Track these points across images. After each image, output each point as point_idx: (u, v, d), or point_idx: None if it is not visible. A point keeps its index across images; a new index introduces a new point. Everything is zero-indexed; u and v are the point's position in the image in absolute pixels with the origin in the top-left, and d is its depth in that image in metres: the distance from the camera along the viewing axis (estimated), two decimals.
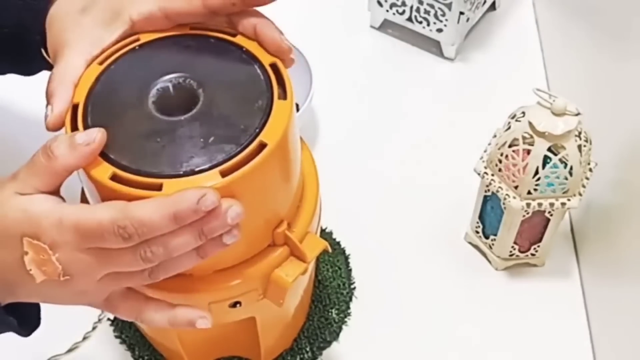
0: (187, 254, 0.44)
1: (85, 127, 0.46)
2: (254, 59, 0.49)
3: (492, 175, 0.66)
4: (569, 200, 0.65)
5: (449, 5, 0.86)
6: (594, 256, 0.72)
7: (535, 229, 0.69)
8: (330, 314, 0.70)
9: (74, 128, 0.46)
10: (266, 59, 0.49)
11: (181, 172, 0.44)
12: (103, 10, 0.51)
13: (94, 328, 0.70)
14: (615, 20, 0.72)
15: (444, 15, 0.87)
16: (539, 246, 0.71)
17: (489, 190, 0.68)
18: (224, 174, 0.44)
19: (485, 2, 0.92)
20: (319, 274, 0.71)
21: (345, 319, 0.70)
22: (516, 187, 0.65)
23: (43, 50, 0.55)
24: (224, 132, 0.46)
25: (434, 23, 0.89)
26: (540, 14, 0.96)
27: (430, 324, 0.70)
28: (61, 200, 0.45)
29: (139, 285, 0.49)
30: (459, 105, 0.88)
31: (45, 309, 0.71)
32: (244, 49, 0.50)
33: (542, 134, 0.62)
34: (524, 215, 0.66)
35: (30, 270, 0.44)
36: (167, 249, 0.43)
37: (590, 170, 0.66)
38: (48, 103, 0.48)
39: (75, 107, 0.47)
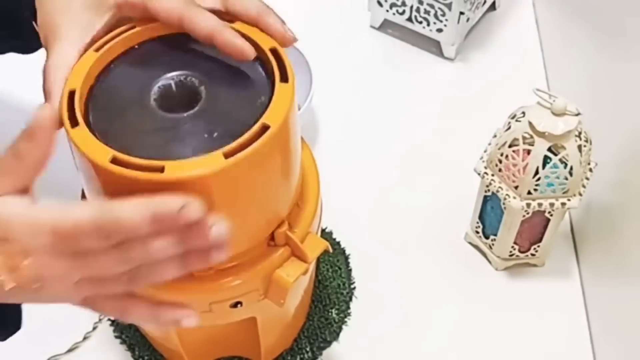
0: (168, 262, 0.43)
1: (87, 122, 0.46)
2: (256, 48, 0.48)
3: (492, 175, 0.66)
4: (569, 200, 0.65)
5: (449, 5, 0.86)
6: (594, 256, 0.72)
7: (535, 229, 0.69)
8: (330, 314, 0.70)
9: (72, 116, 0.45)
10: (266, 44, 0.48)
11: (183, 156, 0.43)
12: None
13: (94, 328, 0.70)
14: (615, 20, 0.72)
15: (444, 15, 0.87)
16: (539, 246, 0.71)
17: (489, 190, 0.68)
18: (227, 156, 0.43)
19: (485, 2, 0.92)
20: (319, 274, 0.72)
21: (345, 319, 0.70)
22: (516, 187, 0.65)
23: (36, 26, 0.53)
24: (226, 127, 0.45)
25: (434, 23, 0.89)
26: (540, 14, 0.96)
27: (430, 324, 0.70)
28: (33, 200, 0.44)
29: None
30: (459, 105, 0.88)
31: (45, 309, 0.71)
32: (245, 37, 0.49)
33: (542, 134, 0.62)
34: (524, 215, 0.66)
35: (0, 276, 0.42)
36: (146, 251, 0.41)
37: (590, 170, 0.66)
38: (46, 101, 0.46)
39: (71, 94, 0.46)
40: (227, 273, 0.51)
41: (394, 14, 0.92)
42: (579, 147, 0.63)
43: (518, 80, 0.88)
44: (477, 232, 0.73)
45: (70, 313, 0.71)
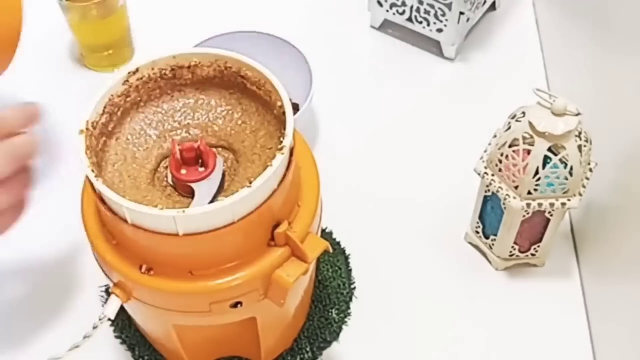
0: None
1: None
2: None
3: (492, 175, 0.66)
4: (569, 200, 0.65)
5: (449, 5, 0.86)
6: (594, 256, 0.72)
7: (535, 229, 0.69)
8: (330, 314, 0.70)
9: None
10: None
11: None
12: None
13: (94, 328, 0.70)
14: (615, 20, 0.72)
15: (444, 15, 0.87)
16: (539, 246, 0.71)
17: (489, 190, 0.68)
18: None
19: (485, 2, 0.92)
20: (319, 274, 0.72)
21: (345, 319, 0.70)
22: (516, 187, 0.65)
23: None
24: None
25: (434, 23, 0.89)
26: (540, 14, 0.96)
27: (430, 324, 0.70)
28: None
29: None
30: (459, 105, 0.88)
31: (46, 309, 0.71)
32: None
33: (542, 134, 0.62)
34: (524, 215, 0.66)
35: None
36: None
37: (590, 170, 0.66)
38: None
39: None
40: (227, 273, 0.51)
41: (394, 14, 0.92)
42: (579, 147, 0.63)
43: (518, 80, 0.88)
44: (477, 232, 0.73)
45: (70, 313, 0.71)
